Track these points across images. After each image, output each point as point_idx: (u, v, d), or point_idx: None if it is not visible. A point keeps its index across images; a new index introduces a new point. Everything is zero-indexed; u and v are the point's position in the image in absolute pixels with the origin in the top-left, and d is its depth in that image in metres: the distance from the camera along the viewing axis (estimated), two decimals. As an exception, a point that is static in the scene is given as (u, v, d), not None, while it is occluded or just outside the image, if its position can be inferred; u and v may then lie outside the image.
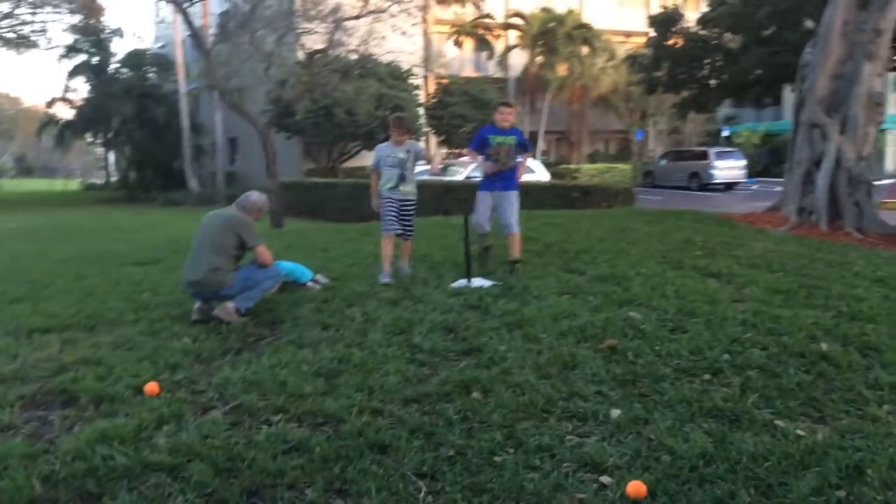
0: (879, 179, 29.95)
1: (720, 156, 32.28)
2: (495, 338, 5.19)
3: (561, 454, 3.45)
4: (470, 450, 3.50)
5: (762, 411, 3.89)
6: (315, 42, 18.86)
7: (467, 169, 21.60)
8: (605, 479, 3.23)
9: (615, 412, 3.90)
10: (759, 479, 3.20)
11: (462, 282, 6.89)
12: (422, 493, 3.14)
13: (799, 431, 3.65)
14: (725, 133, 42.47)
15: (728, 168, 31.93)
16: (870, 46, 11.98)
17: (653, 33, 21.08)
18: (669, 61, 19.97)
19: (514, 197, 7.72)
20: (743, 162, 32.69)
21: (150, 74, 43.80)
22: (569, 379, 4.39)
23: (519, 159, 7.81)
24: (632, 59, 23.45)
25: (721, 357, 4.67)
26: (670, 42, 20.29)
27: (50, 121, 46.25)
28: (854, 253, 9.01)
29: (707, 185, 31.71)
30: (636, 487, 3.09)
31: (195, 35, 18.97)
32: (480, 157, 7.85)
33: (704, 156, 32.56)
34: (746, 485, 3.14)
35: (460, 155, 36.29)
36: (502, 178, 7.70)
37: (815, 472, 3.24)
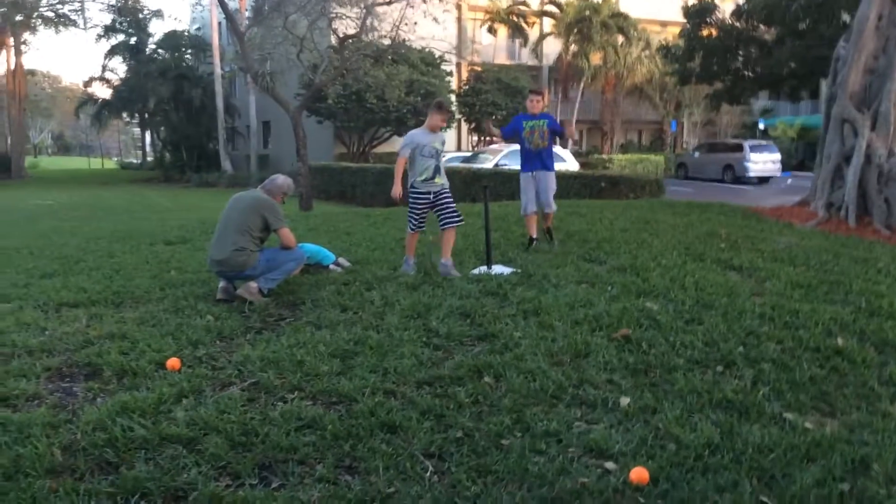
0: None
1: (755, 149, 31.88)
2: (511, 324, 5.24)
3: (567, 439, 3.50)
4: (478, 432, 3.56)
5: (772, 404, 3.91)
6: (347, 27, 18.92)
7: (497, 157, 21.58)
8: (609, 464, 3.27)
9: (624, 400, 3.93)
10: (763, 469, 3.22)
11: (482, 269, 6.94)
12: (428, 473, 3.20)
13: (807, 425, 3.67)
14: (761, 126, 41.94)
15: (763, 161, 31.52)
16: (905, 41, 11.80)
17: (687, 24, 20.86)
18: (703, 52, 19.76)
19: (551, 177, 8.35)
20: (778, 155, 32.26)
21: (187, 56, 44.23)
22: (581, 367, 4.43)
23: (557, 143, 8.24)
24: (665, 50, 23.19)
25: (735, 349, 4.68)
26: (704, 33, 20.05)
27: (88, 100, 47.03)
28: (880, 249, 8.93)
29: (741, 179, 31.35)
30: (639, 474, 3.13)
31: (229, 18, 19.13)
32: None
33: (739, 148, 32.17)
34: (750, 475, 3.17)
35: (491, 142, 36.36)
36: (540, 158, 8.29)
37: (819, 464, 3.26)
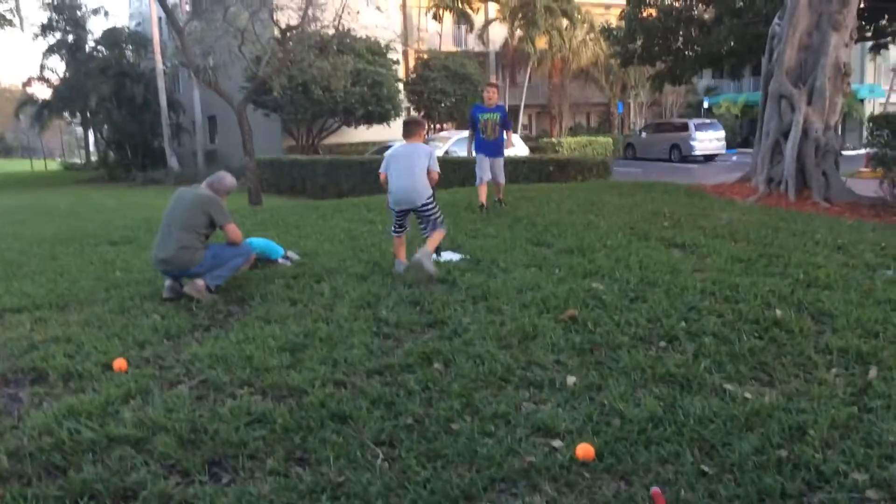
0: (857, 149, 30.29)
1: (700, 127, 32.44)
2: (460, 310, 5.29)
3: (516, 420, 3.56)
4: (428, 418, 3.60)
5: (713, 376, 4.01)
6: (290, 18, 18.71)
7: (447, 143, 21.59)
8: (556, 443, 3.34)
9: (571, 379, 4.01)
10: (704, 440, 3.31)
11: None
12: (379, 460, 3.23)
13: (746, 394, 3.77)
14: (706, 104, 42.62)
15: (708, 140, 32.11)
16: (836, 16, 12.07)
17: (628, 5, 21.07)
18: (644, 34, 19.93)
19: (501, 161, 10.28)
20: (722, 133, 32.87)
21: (128, 53, 43.27)
22: (528, 349, 4.50)
23: (504, 137, 10.07)
24: (607, 32, 23.39)
25: (677, 325, 4.79)
26: (644, 14, 20.26)
27: (28, 100, 45.71)
28: (818, 221, 9.17)
29: (687, 157, 31.87)
30: (585, 450, 3.20)
31: (168, 13, 18.78)
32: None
33: (685, 128, 32.71)
34: (692, 446, 3.25)
35: (441, 129, 36.36)
36: (493, 146, 10.04)
37: (758, 432, 3.36)
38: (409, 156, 6.45)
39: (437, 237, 6.50)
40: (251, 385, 4.08)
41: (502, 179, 10.35)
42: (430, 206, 6.43)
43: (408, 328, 4.99)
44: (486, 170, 10.00)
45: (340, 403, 3.74)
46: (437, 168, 6.48)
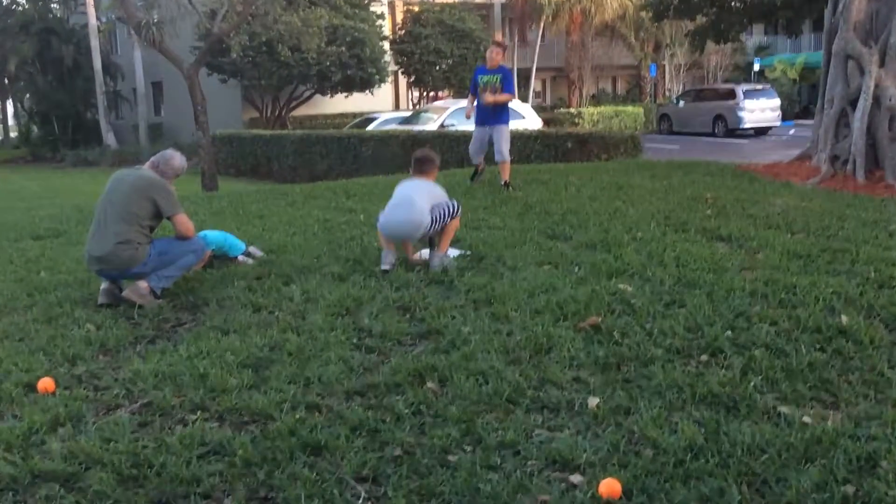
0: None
1: (750, 94, 32.47)
2: (458, 318, 5.30)
3: (526, 451, 3.57)
4: (420, 448, 3.61)
5: (765, 396, 4.03)
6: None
7: (442, 115, 21.59)
8: (575, 477, 3.35)
9: (593, 401, 4.02)
10: (754, 473, 3.32)
11: (423, 252, 6.97)
12: (360, 500, 3.25)
13: (805, 419, 3.78)
14: (757, 66, 42.62)
15: (759, 109, 32.17)
16: (917, -42, 12.07)
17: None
18: (681, -20, 19.92)
19: (504, 130, 10.46)
20: (777, 101, 32.93)
21: (54, 6, 43.19)
22: (542, 364, 4.51)
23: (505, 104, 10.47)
24: (637, -21, 23.42)
25: (722, 335, 4.80)
26: (682, -45, 20.22)
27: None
28: (893, 208, 9.19)
29: (734, 131, 31.91)
30: (609, 486, 3.21)
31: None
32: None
33: (731, 95, 32.74)
34: (739, 480, 3.27)
35: (436, 98, 36.35)
36: (493, 113, 10.38)
37: (819, 464, 3.37)
38: (416, 188, 6.70)
39: (451, 230, 6.68)
40: (205, 409, 4.09)
41: (506, 154, 10.45)
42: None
43: (396, 339, 5.00)
44: (479, 148, 10.70)
45: (314, 431, 3.75)
46: (459, 213, 6.71)
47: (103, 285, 6.10)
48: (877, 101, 12.09)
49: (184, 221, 6.19)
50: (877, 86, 12.08)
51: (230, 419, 3.99)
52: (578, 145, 17.15)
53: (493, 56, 10.63)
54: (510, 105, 10.85)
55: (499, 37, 36.01)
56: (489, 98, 10.27)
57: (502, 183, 10.58)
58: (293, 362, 4.64)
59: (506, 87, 10.38)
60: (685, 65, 45.20)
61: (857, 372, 4.33)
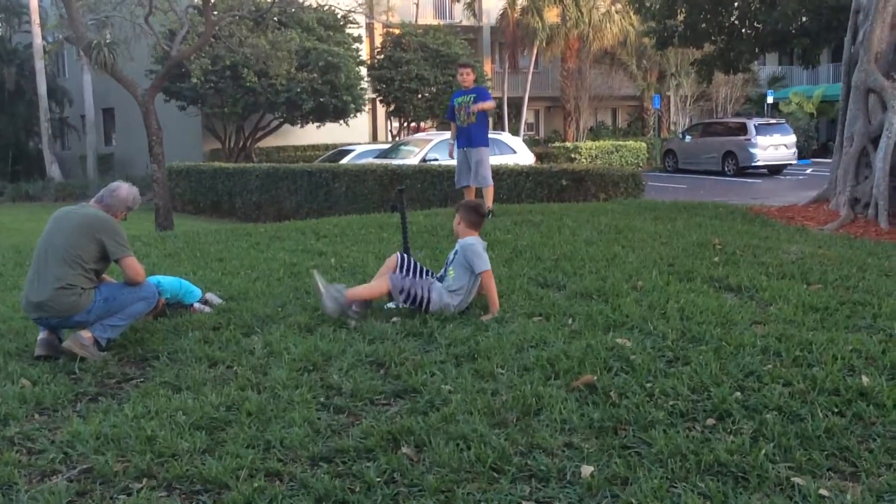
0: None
1: (762, 130, 32.78)
2: (438, 375, 5.28)
3: (512, 526, 3.55)
4: (393, 522, 3.59)
5: (777, 466, 4.02)
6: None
7: (424, 148, 21.64)
8: (566, 557, 3.33)
9: (587, 469, 4.00)
10: (766, 553, 3.32)
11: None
12: (324, 581, 3.22)
13: (822, 491, 3.77)
14: (770, 99, 43.06)
15: (773, 146, 32.46)
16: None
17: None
18: (687, 4, 20.18)
19: (483, 152, 11.31)
20: (793, 137, 33.25)
21: (-5, 23, 43.40)
22: (530, 427, 4.49)
23: (481, 122, 11.19)
24: (638, 3, 23.66)
25: (730, 396, 4.79)
26: (688, -22, 20.55)
27: None
28: (920, 257, 9.26)
29: (746, 169, 32.17)
30: (604, 567, 3.20)
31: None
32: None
33: (742, 129, 33.06)
34: (748, 561, 3.26)
35: (418, 129, 36.52)
36: (467, 133, 11.23)
37: (838, 544, 3.37)
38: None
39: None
40: (152, 477, 4.05)
41: (489, 179, 11.36)
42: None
43: (368, 398, 4.97)
44: (462, 171, 11.47)
45: (273, 502, 3.72)
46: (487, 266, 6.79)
47: (41, 335, 6.05)
48: (901, 139, 12.22)
49: (133, 265, 6.16)
50: (901, 122, 12.22)
51: (180, 488, 3.95)
52: (574, 183, 17.22)
53: (464, 77, 11.65)
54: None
55: (486, 62, 36.39)
56: (473, 108, 11.10)
57: (486, 211, 10.58)
58: (252, 424, 4.61)
59: (482, 98, 11.34)
60: (692, 96, 45.62)
61: (880, 439, 4.32)
